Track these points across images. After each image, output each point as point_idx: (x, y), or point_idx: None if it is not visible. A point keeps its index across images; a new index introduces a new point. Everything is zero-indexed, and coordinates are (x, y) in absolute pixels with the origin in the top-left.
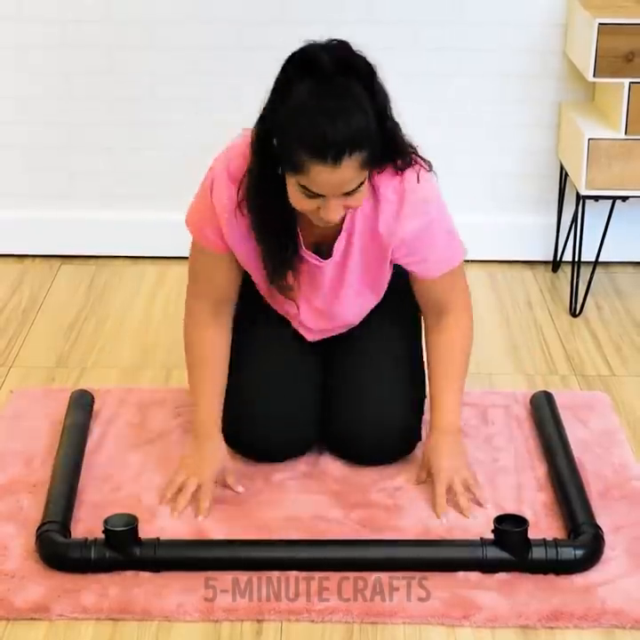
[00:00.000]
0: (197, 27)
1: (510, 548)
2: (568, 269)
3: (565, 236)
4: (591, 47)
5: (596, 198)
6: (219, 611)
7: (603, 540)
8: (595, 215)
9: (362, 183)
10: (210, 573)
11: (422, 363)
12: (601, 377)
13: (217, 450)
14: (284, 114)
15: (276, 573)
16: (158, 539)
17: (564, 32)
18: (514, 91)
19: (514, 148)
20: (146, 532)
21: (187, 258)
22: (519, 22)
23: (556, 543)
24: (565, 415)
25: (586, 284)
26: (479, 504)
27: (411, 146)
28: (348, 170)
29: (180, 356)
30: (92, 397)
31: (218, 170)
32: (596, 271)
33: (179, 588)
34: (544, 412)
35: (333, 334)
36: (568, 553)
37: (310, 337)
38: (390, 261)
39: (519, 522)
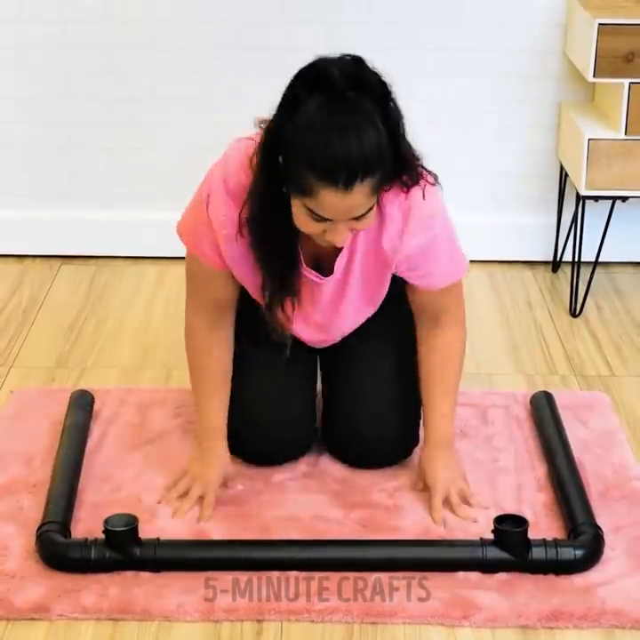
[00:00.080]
0: (197, 27)
1: (510, 548)
2: (568, 269)
3: (565, 236)
4: (591, 47)
5: (596, 198)
6: (219, 611)
7: (603, 540)
8: (595, 215)
9: (371, 208)
10: (210, 573)
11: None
12: (601, 377)
13: (221, 456)
14: (291, 131)
15: (276, 573)
16: (158, 539)
17: (564, 32)
18: (514, 91)
19: (514, 148)
20: (146, 532)
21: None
22: (519, 22)
23: (555, 543)
24: (565, 415)
25: (586, 284)
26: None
27: (416, 158)
28: (359, 195)
29: (180, 356)
30: (93, 397)
31: (215, 184)
32: (596, 271)
33: (179, 589)
34: (544, 413)
35: (327, 345)
36: (568, 553)
37: (306, 341)
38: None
39: (519, 522)
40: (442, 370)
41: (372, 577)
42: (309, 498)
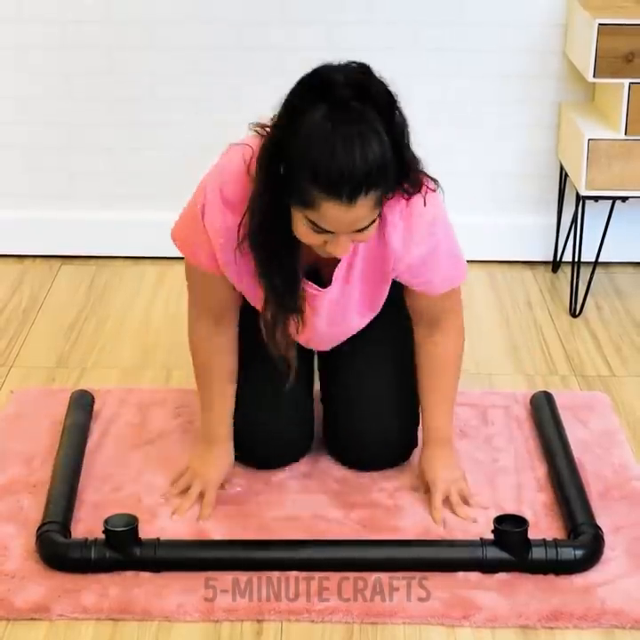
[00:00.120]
0: (197, 27)
1: (510, 548)
2: (568, 270)
3: (565, 236)
4: (591, 47)
5: (596, 199)
6: (219, 611)
7: (603, 540)
8: (594, 215)
9: (374, 220)
10: (210, 573)
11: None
12: (601, 377)
13: (224, 457)
14: (294, 142)
15: (276, 573)
16: (158, 539)
17: (564, 32)
18: (514, 91)
19: (514, 148)
20: (146, 532)
21: None
22: (519, 23)
23: (555, 543)
24: (565, 415)
25: (586, 284)
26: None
27: (419, 165)
28: (363, 209)
29: (180, 357)
30: (93, 397)
31: (210, 192)
32: (596, 271)
33: (179, 589)
34: (544, 413)
35: (326, 349)
36: (568, 553)
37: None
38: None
39: (519, 522)
40: (440, 377)
41: (372, 577)
42: (309, 498)
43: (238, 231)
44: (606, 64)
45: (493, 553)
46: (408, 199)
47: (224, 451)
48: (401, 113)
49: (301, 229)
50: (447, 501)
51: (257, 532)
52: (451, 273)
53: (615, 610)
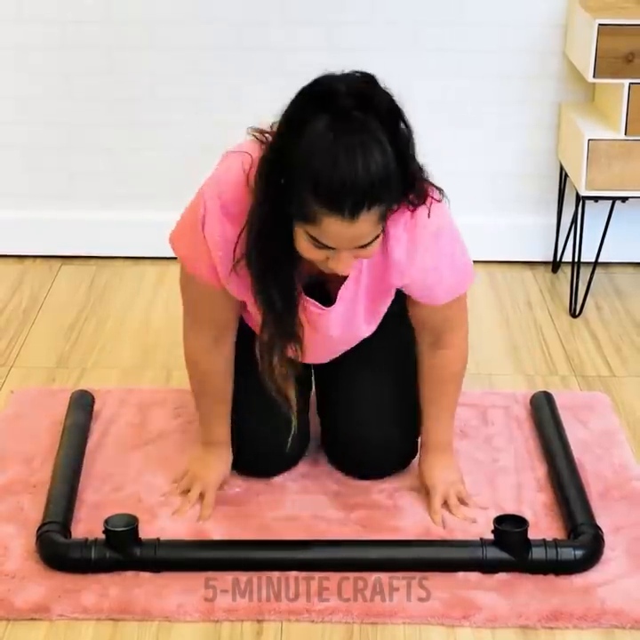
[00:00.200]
0: (197, 27)
1: (510, 548)
2: (568, 270)
3: (565, 236)
4: (591, 48)
5: (596, 199)
6: (219, 611)
7: (602, 540)
8: (594, 216)
9: (377, 236)
10: (210, 574)
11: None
12: (601, 377)
13: (223, 462)
14: (295, 153)
15: (276, 573)
16: (158, 539)
17: (564, 33)
18: (514, 91)
19: (514, 148)
20: (146, 532)
21: None
22: (519, 23)
23: (555, 543)
24: (565, 416)
25: (586, 284)
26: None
27: (424, 175)
28: (365, 224)
29: (180, 357)
30: (93, 398)
31: (209, 202)
32: (596, 271)
33: (179, 589)
34: (544, 413)
35: (323, 362)
36: (568, 553)
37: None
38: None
39: (519, 522)
40: (441, 390)
41: (372, 577)
42: (309, 498)
43: (235, 248)
44: (606, 64)
45: (493, 553)
46: (413, 211)
47: (223, 453)
48: (406, 123)
49: (303, 244)
50: (446, 504)
51: (257, 532)
52: (454, 281)
53: (615, 610)
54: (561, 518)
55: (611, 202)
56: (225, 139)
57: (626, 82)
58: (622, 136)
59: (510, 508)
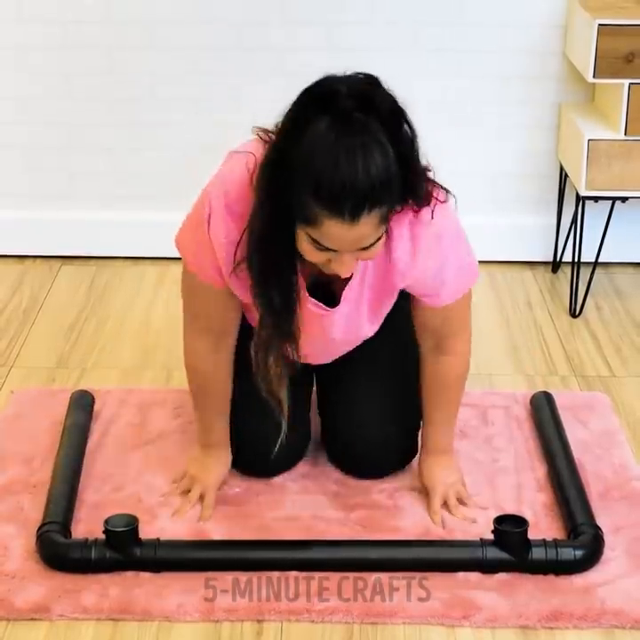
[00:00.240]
0: (197, 27)
1: (510, 548)
2: (568, 270)
3: (565, 236)
4: (591, 48)
5: (596, 199)
6: (219, 611)
7: (602, 540)
8: (594, 216)
9: (379, 238)
10: (210, 574)
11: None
12: (601, 378)
13: (222, 463)
14: (296, 155)
15: (276, 573)
16: (158, 539)
17: (564, 33)
18: (514, 92)
19: (514, 148)
20: (146, 532)
21: None
22: (519, 23)
23: (555, 544)
24: (565, 416)
25: (586, 284)
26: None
27: (429, 176)
28: (366, 227)
29: (180, 357)
30: (93, 398)
31: (214, 202)
32: (596, 272)
33: (179, 589)
34: (544, 413)
35: (323, 363)
36: (568, 553)
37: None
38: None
39: (519, 522)
40: (443, 395)
41: (372, 577)
42: (309, 498)
43: (236, 251)
44: (606, 64)
45: (493, 553)
46: (416, 212)
47: (222, 455)
48: (409, 124)
49: (304, 247)
50: (445, 504)
51: (257, 532)
52: (458, 285)
53: (615, 610)
54: (561, 518)
55: (611, 202)
56: (225, 139)
57: (626, 82)
58: (622, 136)
59: (510, 509)
